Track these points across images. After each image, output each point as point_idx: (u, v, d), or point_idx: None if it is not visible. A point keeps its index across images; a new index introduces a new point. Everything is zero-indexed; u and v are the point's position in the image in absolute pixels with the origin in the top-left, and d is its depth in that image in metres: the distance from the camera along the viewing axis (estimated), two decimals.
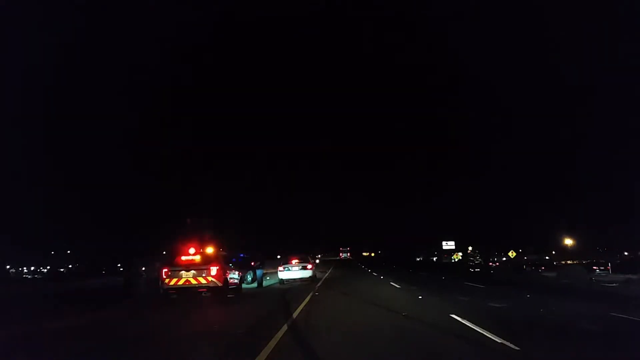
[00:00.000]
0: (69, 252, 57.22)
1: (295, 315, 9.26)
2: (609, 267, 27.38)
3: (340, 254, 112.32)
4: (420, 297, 13.23)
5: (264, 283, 20.30)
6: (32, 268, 55.06)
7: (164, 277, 12.37)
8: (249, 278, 19.80)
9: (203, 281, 12.23)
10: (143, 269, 14.89)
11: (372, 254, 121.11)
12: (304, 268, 20.97)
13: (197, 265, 12.45)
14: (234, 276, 14.34)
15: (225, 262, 13.88)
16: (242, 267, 17.87)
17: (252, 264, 20.31)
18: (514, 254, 45.83)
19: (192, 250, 12.81)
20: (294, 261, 21.22)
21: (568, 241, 41.94)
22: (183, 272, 12.29)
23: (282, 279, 20.71)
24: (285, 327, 7.53)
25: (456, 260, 71.04)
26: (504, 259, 55.43)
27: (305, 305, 11.11)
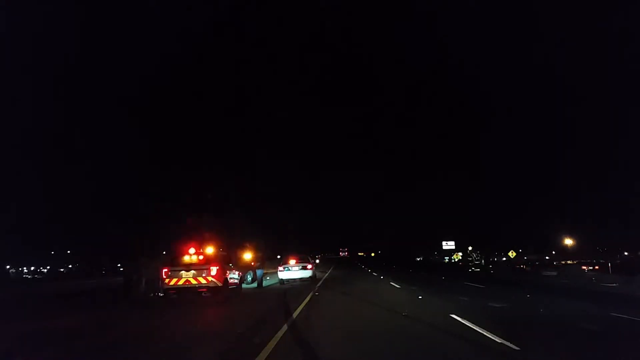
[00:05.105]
0: (69, 252, 57.13)
1: (295, 315, 9.26)
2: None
3: (340, 253, 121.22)
4: (420, 297, 13.24)
5: (264, 283, 20.29)
6: (32, 268, 54.98)
7: (164, 277, 12.39)
8: (249, 278, 19.81)
9: (203, 281, 12.25)
10: (142, 269, 14.88)
11: (373, 254, 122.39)
12: (304, 268, 20.95)
13: (197, 265, 12.46)
14: (234, 276, 14.36)
15: (225, 262, 13.89)
16: (242, 267, 17.89)
17: (252, 264, 20.32)
18: (514, 254, 45.76)
19: (192, 250, 12.83)
20: (294, 261, 21.21)
21: (568, 241, 41.84)
22: (183, 272, 12.31)
23: (282, 279, 20.70)
24: (285, 327, 7.53)
25: (456, 260, 70.93)
26: (504, 259, 55.36)
27: (305, 305, 11.11)
